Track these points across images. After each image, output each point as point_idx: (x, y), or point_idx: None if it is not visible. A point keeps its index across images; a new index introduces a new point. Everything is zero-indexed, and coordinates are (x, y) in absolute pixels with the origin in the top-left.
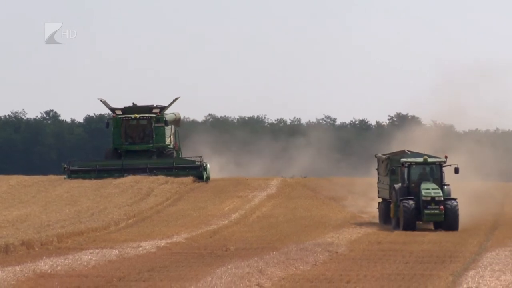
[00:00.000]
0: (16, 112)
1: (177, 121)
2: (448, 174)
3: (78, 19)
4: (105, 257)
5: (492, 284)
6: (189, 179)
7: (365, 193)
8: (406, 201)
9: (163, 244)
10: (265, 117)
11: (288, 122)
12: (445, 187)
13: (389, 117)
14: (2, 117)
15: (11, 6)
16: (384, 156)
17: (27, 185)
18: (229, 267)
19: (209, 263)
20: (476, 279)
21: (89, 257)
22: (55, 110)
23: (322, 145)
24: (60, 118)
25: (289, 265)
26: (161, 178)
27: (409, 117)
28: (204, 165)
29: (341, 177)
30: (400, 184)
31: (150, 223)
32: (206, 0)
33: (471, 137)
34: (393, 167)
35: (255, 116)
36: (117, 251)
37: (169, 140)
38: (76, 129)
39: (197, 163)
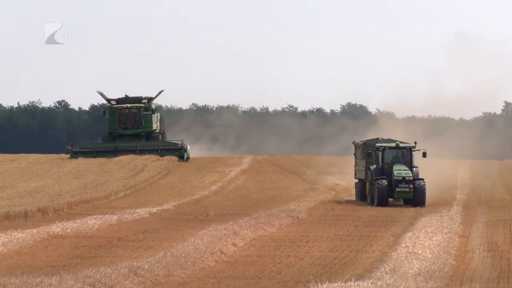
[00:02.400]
0: (33, 102)
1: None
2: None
3: (78, 19)
4: (106, 221)
5: (426, 244)
6: (176, 157)
7: (321, 169)
8: (380, 180)
9: (154, 210)
10: (238, 106)
11: (258, 110)
12: (414, 168)
13: (341, 106)
14: (21, 106)
15: (11, 6)
16: (360, 142)
17: (43, 162)
18: (209, 229)
19: (193, 226)
20: (413, 239)
21: (94, 221)
22: (66, 100)
23: (287, 129)
24: (70, 106)
25: (259, 228)
26: (153, 156)
27: (358, 106)
28: (185, 147)
29: (302, 155)
30: (375, 166)
31: (144, 193)
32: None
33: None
34: (369, 150)
35: (231, 105)
36: (116, 217)
37: (155, 125)
38: (83, 116)
39: (179, 145)
